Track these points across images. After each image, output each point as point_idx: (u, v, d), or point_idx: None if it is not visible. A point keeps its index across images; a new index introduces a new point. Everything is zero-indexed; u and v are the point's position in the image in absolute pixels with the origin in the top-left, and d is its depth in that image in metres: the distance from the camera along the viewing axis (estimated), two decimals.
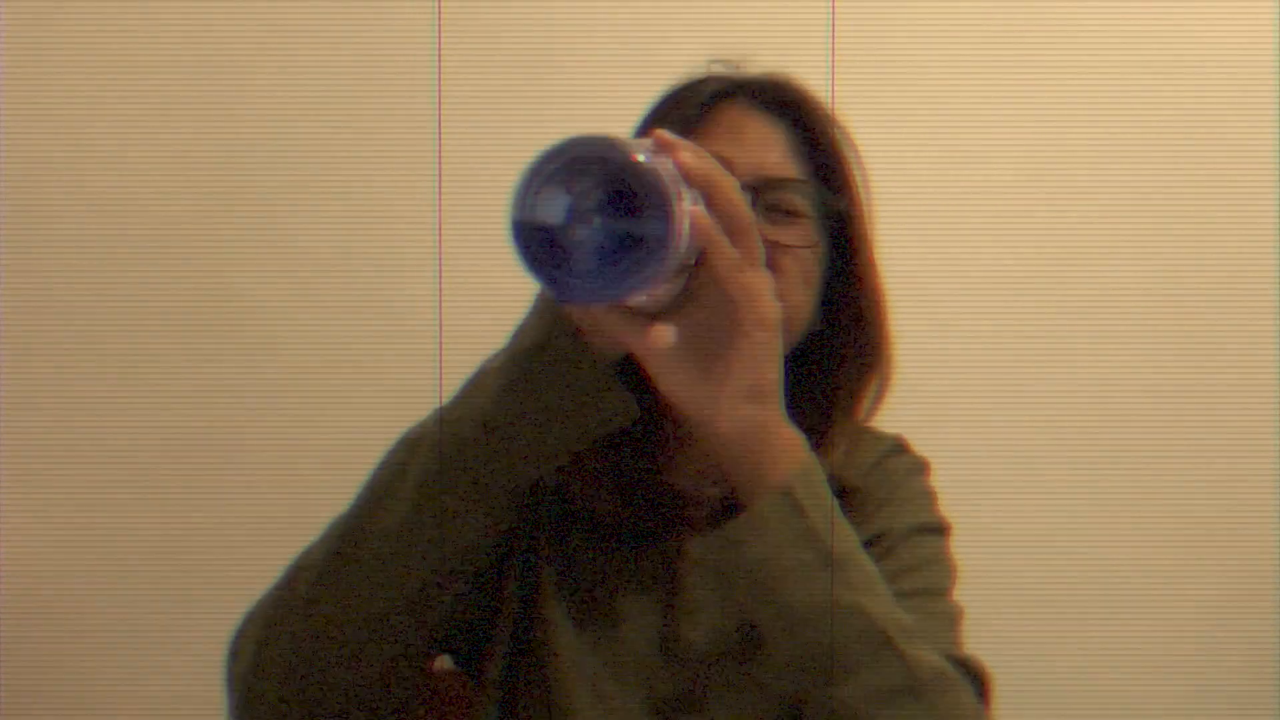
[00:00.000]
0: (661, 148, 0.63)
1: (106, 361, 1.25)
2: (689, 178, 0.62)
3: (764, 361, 0.67)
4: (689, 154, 0.63)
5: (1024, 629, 1.23)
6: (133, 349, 1.25)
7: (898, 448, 0.90)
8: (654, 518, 0.84)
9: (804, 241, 0.81)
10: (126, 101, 1.25)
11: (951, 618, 0.82)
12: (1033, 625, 1.27)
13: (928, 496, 0.89)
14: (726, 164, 0.75)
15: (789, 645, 0.68)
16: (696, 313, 0.66)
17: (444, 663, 0.87)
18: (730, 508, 0.70)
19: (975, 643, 0.80)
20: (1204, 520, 1.32)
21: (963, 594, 0.84)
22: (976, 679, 0.73)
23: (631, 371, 0.69)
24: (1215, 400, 1.33)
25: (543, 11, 1.28)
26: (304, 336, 1.26)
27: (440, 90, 1.22)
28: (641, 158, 0.59)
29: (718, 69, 0.88)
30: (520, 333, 0.72)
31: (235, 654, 0.75)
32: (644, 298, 0.62)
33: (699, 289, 0.66)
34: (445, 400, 0.74)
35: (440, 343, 1.17)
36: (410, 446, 0.73)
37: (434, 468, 0.71)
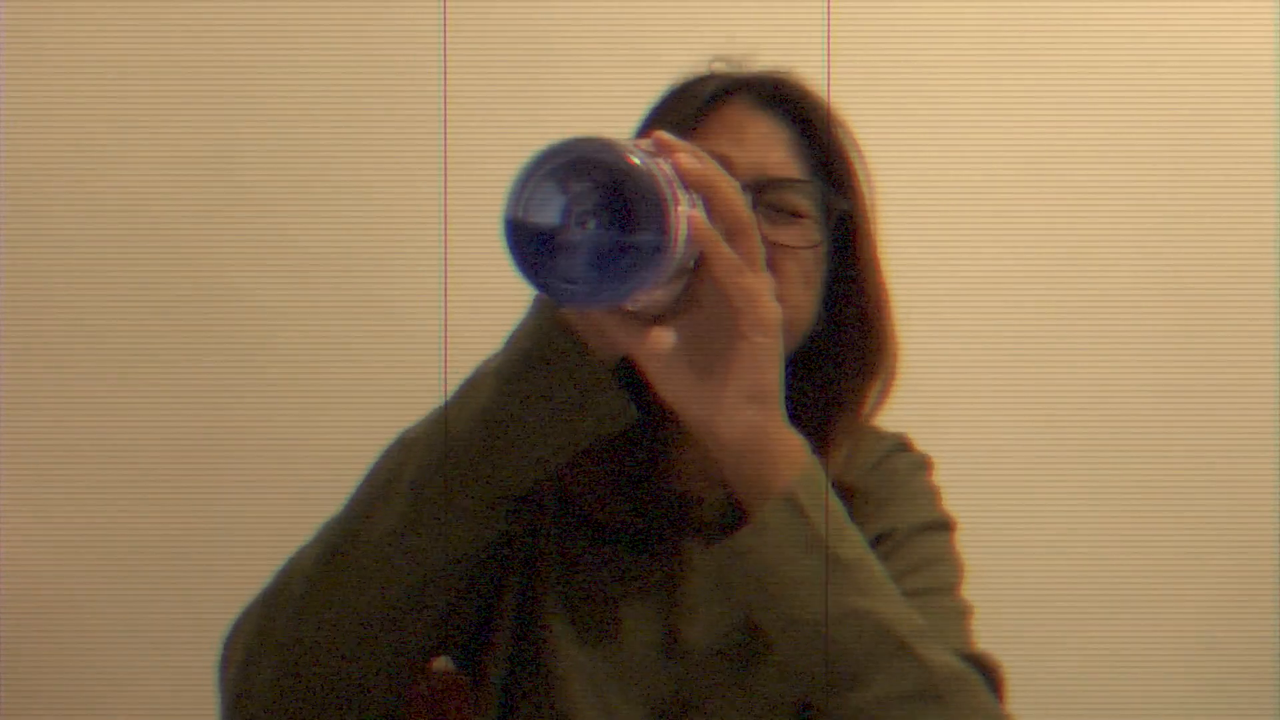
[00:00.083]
0: (660, 149, 0.62)
1: (106, 361, 1.25)
2: (688, 180, 0.61)
3: (764, 365, 0.66)
4: (688, 156, 0.62)
5: (1024, 629, 1.23)
6: (133, 349, 1.25)
7: (900, 446, 0.90)
8: (655, 520, 0.83)
9: (805, 242, 0.80)
10: (126, 101, 1.25)
11: (961, 615, 0.81)
12: (1032, 625, 1.27)
13: (932, 494, 0.88)
14: (727, 163, 0.74)
15: (802, 655, 0.67)
16: (696, 316, 0.65)
17: (444, 663, 0.87)
18: (732, 510, 0.69)
19: (976, 643, 0.80)
20: (1204, 520, 1.32)
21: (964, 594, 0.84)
22: (990, 676, 0.72)
23: (631, 374, 0.68)
24: (1215, 400, 1.33)
25: (546, 11, 1.28)
26: (306, 336, 1.26)
27: (445, 90, 1.22)
28: (638, 160, 0.58)
29: (719, 67, 0.87)
30: (517, 335, 0.71)
31: (227, 656, 0.75)
32: (642, 301, 0.62)
33: (698, 292, 0.65)
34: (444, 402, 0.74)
35: (444, 343, 1.17)
36: (405, 448, 0.73)
37: (429, 470, 0.70)
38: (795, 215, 0.80)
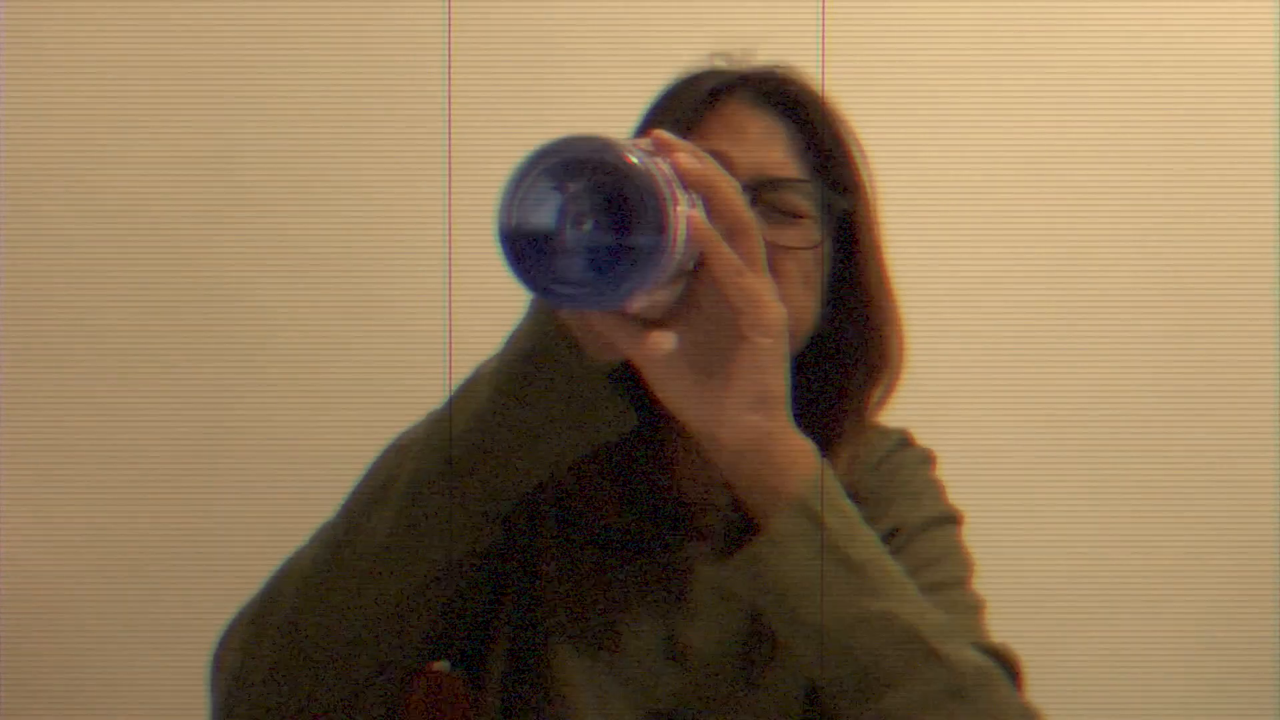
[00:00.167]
0: (659, 148, 0.61)
1: (106, 361, 1.25)
2: (687, 179, 0.60)
3: (769, 368, 0.64)
4: (687, 155, 0.61)
5: (1023, 629, 1.23)
6: (133, 349, 1.25)
7: (903, 442, 0.89)
8: (656, 525, 0.82)
9: (805, 243, 0.79)
10: (126, 101, 1.25)
11: (975, 608, 0.81)
12: (1032, 625, 1.27)
13: (937, 488, 0.88)
14: (726, 162, 0.73)
15: (825, 662, 0.65)
16: (697, 319, 0.64)
17: (443, 665, 0.87)
18: (736, 514, 0.68)
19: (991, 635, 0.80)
20: (1204, 520, 1.32)
21: None
22: (1010, 668, 0.72)
23: (631, 378, 0.67)
24: (1215, 400, 1.33)
25: (549, 10, 1.28)
26: (306, 336, 1.26)
27: (449, 89, 1.22)
28: (636, 159, 0.57)
29: (719, 63, 0.85)
30: (515, 337, 0.69)
31: (219, 659, 0.74)
32: (641, 304, 0.60)
33: (699, 294, 0.63)
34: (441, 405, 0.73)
35: (449, 343, 1.17)
36: (400, 453, 0.72)
37: (425, 475, 0.69)
38: (795, 216, 0.79)
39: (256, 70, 1.26)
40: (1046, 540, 1.30)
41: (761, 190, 0.78)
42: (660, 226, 0.56)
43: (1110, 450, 1.32)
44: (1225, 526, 1.33)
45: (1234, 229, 1.33)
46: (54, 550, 1.25)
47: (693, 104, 0.81)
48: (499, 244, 0.57)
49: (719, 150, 0.75)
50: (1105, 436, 1.32)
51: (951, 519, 0.86)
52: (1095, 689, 1.29)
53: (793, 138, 0.81)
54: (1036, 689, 0.71)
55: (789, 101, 0.82)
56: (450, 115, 1.22)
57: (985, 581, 0.85)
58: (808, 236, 0.79)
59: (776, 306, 0.64)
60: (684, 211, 0.58)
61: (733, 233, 0.62)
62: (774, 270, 0.65)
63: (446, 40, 1.23)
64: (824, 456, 0.68)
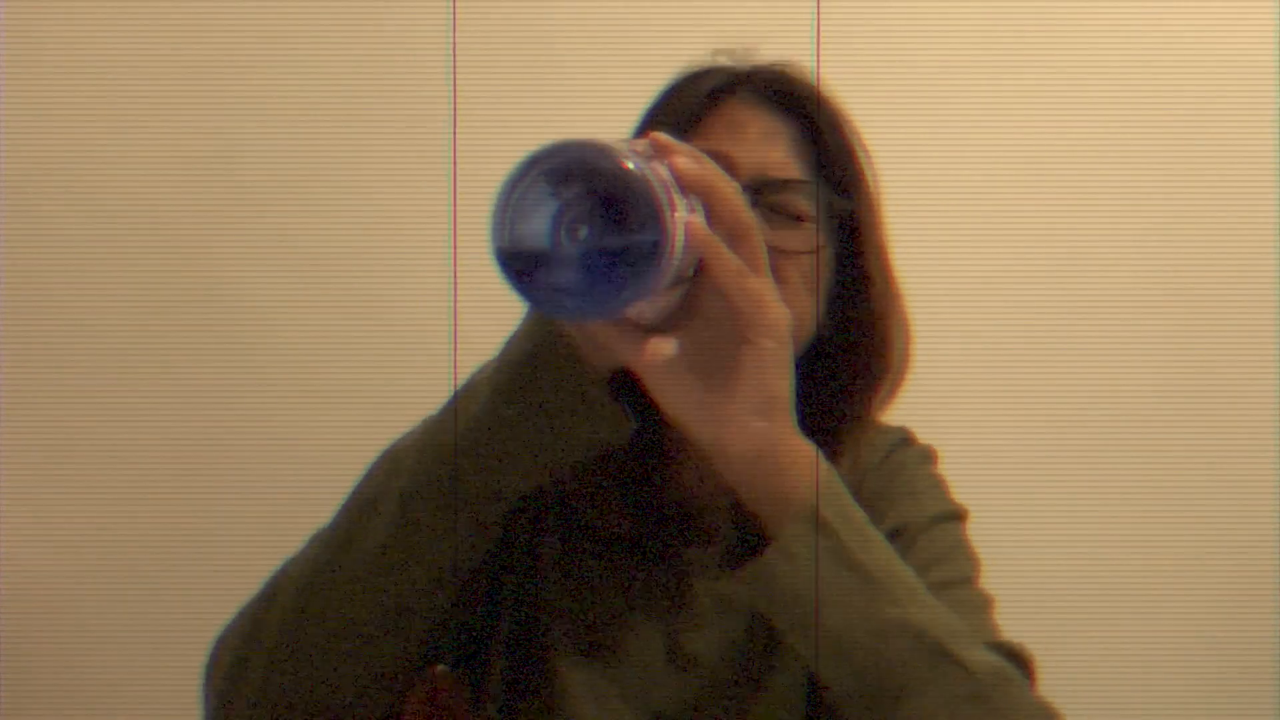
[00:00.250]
0: (657, 151, 0.59)
1: (106, 361, 1.25)
2: (685, 183, 0.58)
3: (774, 373, 0.62)
4: (686, 158, 0.59)
5: (1023, 629, 1.23)
6: (133, 349, 1.25)
7: (904, 439, 0.88)
8: (659, 529, 0.82)
9: (806, 245, 0.77)
10: (128, 101, 1.25)
11: (984, 605, 0.80)
12: (1032, 625, 1.27)
13: (940, 485, 0.87)
14: (727, 162, 0.73)
15: (843, 673, 0.64)
16: (698, 324, 0.62)
17: (443, 669, 0.87)
18: (738, 519, 0.67)
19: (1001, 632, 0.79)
20: (1204, 520, 1.32)
21: None
22: (1023, 665, 0.71)
23: (631, 384, 0.65)
24: (1215, 400, 1.33)
25: (554, 9, 1.27)
26: (307, 336, 1.26)
27: (454, 89, 1.22)
28: (632, 164, 0.55)
29: (722, 60, 0.83)
30: (512, 343, 0.68)
31: (212, 666, 0.74)
32: (639, 310, 0.59)
33: (700, 298, 0.62)
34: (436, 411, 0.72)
35: (454, 344, 1.17)
36: (395, 459, 0.71)
37: (419, 483, 0.68)
38: (797, 218, 0.77)
39: (257, 70, 1.26)
40: (1046, 540, 1.30)
41: (763, 192, 0.76)
42: (658, 234, 0.55)
43: (1110, 450, 1.32)
44: (1225, 526, 1.33)
45: (1234, 229, 1.33)
46: (54, 550, 1.25)
47: (693, 103, 0.79)
48: (492, 253, 0.56)
49: (720, 151, 0.74)
50: (1105, 436, 1.32)
51: (956, 516, 0.85)
52: (1095, 689, 1.29)
53: (795, 137, 0.80)
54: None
55: (792, 100, 0.80)
56: (455, 114, 1.22)
57: (985, 581, 0.85)
58: (810, 239, 0.78)
59: (780, 309, 0.62)
60: (682, 217, 0.57)
61: (734, 236, 0.61)
62: (775, 274, 0.64)
63: (451, 40, 1.23)
64: (827, 460, 0.67)
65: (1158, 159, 1.32)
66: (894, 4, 1.30)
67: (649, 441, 0.77)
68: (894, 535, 0.79)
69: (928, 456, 0.89)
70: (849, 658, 0.64)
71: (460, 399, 0.70)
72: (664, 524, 0.82)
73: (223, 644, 0.74)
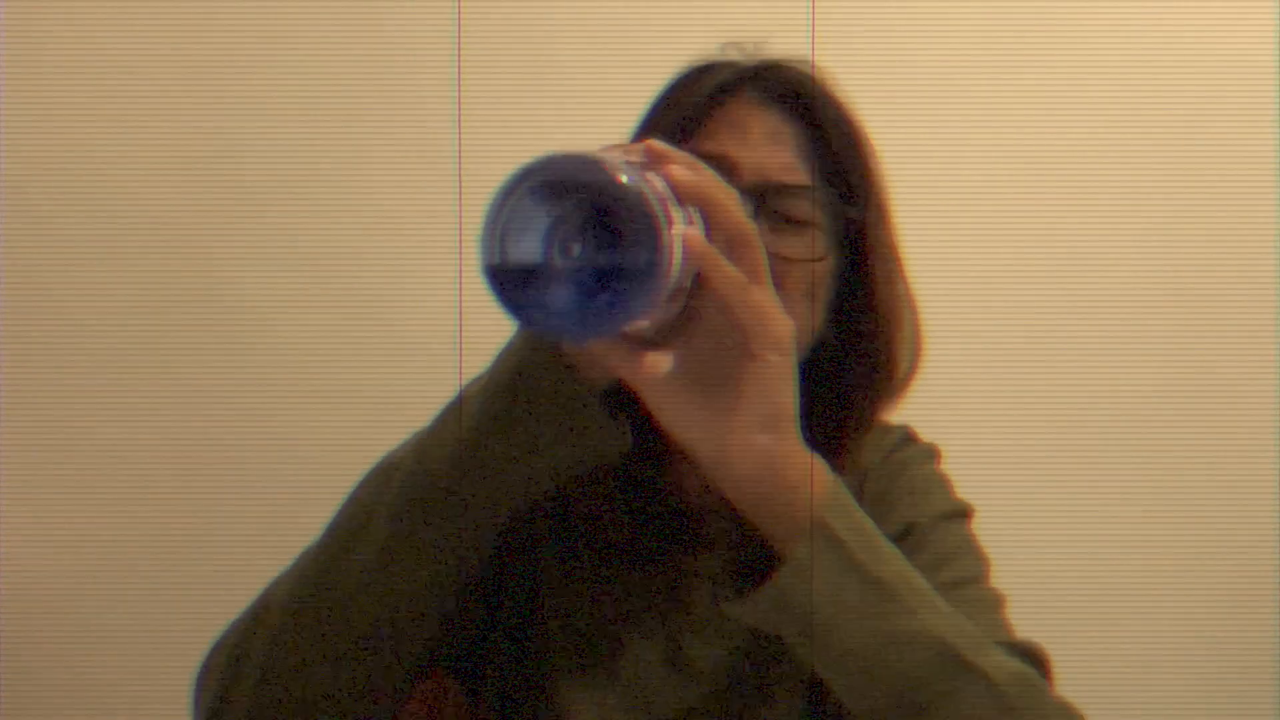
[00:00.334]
0: (652, 160, 0.57)
1: (106, 361, 1.25)
2: (682, 194, 0.56)
3: (778, 386, 0.60)
4: (681, 168, 0.57)
5: (1023, 629, 1.23)
6: (133, 349, 1.25)
7: (906, 438, 0.87)
8: (659, 535, 0.80)
9: (811, 253, 0.74)
10: (129, 101, 1.25)
11: (996, 603, 0.79)
12: (1031, 625, 1.27)
13: (945, 483, 0.86)
14: (729, 165, 0.73)
15: (861, 688, 0.63)
16: (698, 337, 0.60)
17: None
18: (739, 524, 0.65)
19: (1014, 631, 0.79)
20: (1204, 520, 1.32)
21: None
22: (1040, 665, 0.70)
23: (628, 396, 0.63)
24: (1215, 400, 1.33)
25: (559, 9, 1.27)
26: (310, 337, 1.26)
27: (460, 88, 1.21)
28: (626, 178, 0.52)
29: (731, 54, 0.81)
30: (503, 356, 0.66)
31: (202, 683, 0.73)
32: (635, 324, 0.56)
33: (699, 310, 0.60)
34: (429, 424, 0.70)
35: (459, 345, 1.17)
36: (385, 476, 0.69)
37: (409, 501, 0.66)
38: (800, 223, 0.75)
39: (258, 70, 1.26)
40: (1045, 540, 1.29)
41: (765, 196, 0.74)
42: (654, 250, 0.52)
43: (1109, 450, 1.32)
44: (1225, 526, 1.33)
45: (1234, 229, 1.33)
46: (54, 550, 1.25)
47: (697, 102, 0.77)
48: (481, 270, 0.54)
49: (722, 153, 0.73)
50: (1104, 436, 1.32)
51: (962, 513, 0.84)
52: (1095, 689, 1.29)
53: (800, 139, 0.77)
54: None
55: (798, 100, 0.77)
56: (460, 114, 1.22)
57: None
58: (814, 246, 0.75)
59: (784, 321, 0.60)
60: (680, 231, 0.54)
61: (733, 246, 0.58)
62: (777, 281, 0.62)
63: (456, 39, 1.22)
64: (831, 468, 0.65)
65: (1158, 159, 1.32)
66: (893, 4, 1.30)
67: (648, 451, 0.74)
68: (902, 535, 0.78)
69: (931, 454, 0.88)
70: (868, 674, 0.62)
71: (451, 414, 0.68)
72: (664, 531, 0.80)
73: (209, 666, 0.72)
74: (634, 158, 0.58)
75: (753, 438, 0.60)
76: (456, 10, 1.23)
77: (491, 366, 0.67)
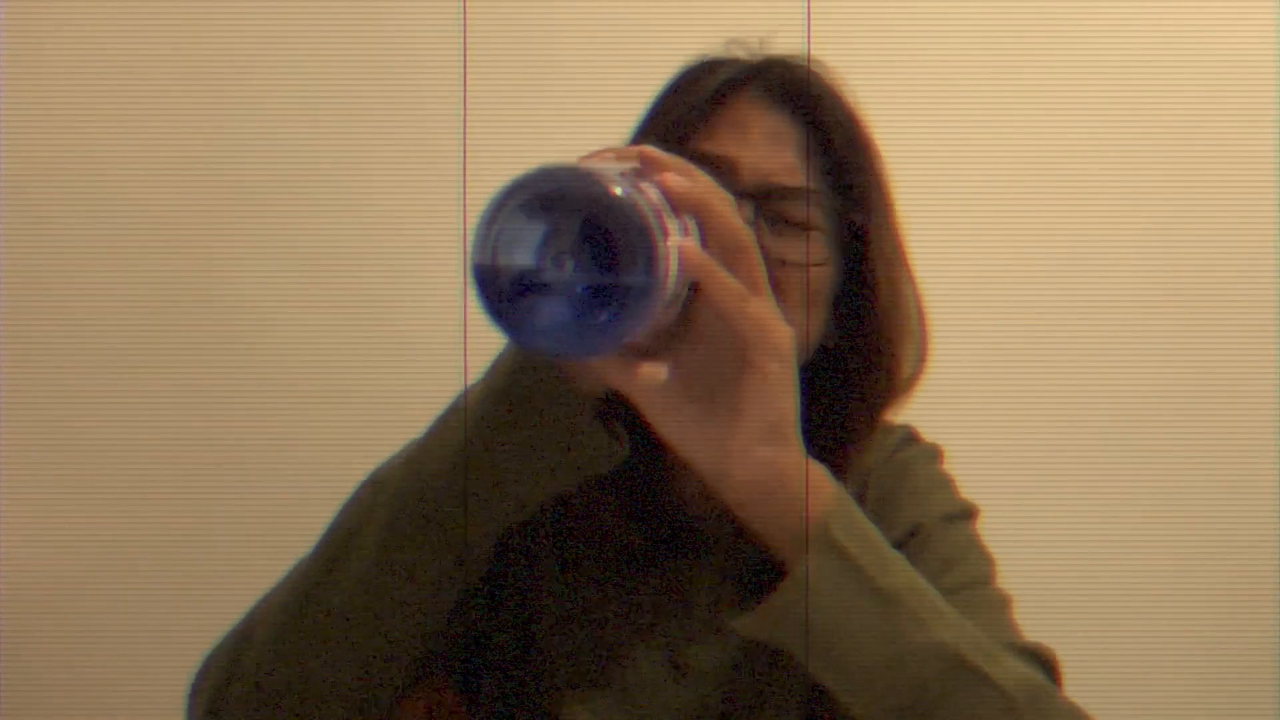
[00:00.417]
0: (646, 167, 0.56)
1: (106, 361, 1.25)
2: (678, 203, 0.55)
3: (779, 397, 0.59)
4: (676, 176, 0.56)
5: (1023, 629, 1.23)
6: (133, 349, 1.25)
7: (908, 438, 0.86)
8: (661, 540, 0.79)
9: (812, 257, 0.73)
10: (130, 101, 1.25)
11: (1003, 605, 0.78)
12: (1031, 626, 1.27)
13: (949, 483, 0.85)
14: (730, 166, 0.72)
15: (871, 704, 0.62)
16: (696, 346, 0.59)
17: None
18: (743, 530, 0.64)
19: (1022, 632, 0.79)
20: (1204, 520, 1.32)
21: None
22: (1049, 669, 0.70)
23: (624, 405, 0.61)
24: (1216, 400, 1.33)
25: (560, 8, 1.27)
26: (312, 337, 1.26)
27: (465, 88, 1.21)
28: (620, 190, 0.51)
29: (735, 50, 0.79)
30: (495, 367, 0.65)
31: (195, 695, 0.72)
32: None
33: (696, 320, 0.58)
34: (420, 436, 0.69)
35: (465, 346, 1.16)
36: (376, 489, 0.68)
37: (400, 515, 0.65)
38: (802, 226, 0.73)
39: (259, 70, 1.26)
40: (1045, 540, 1.29)
41: (766, 199, 0.73)
42: (650, 263, 0.51)
43: (1109, 450, 1.32)
44: (1225, 526, 1.33)
45: (1234, 229, 1.33)
46: (54, 550, 1.25)
47: (698, 101, 0.75)
48: (473, 285, 0.53)
49: (723, 153, 0.73)
50: (1104, 436, 1.32)
51: (967, 514, 0.83)
52: (1095, 689, 1.29)
53: (803, 140, 0.75)
54: None
55: (802, 99, 0.76)
56: (465, 114, 1.21)
57: None
58: (815, 250, 0.74)
59: (784, 330, 0.59)
60: (675, 243, 0.53)
61: (730, 255, 0.57)
62: (777, 286, 0.61)
63: (462, 38, 1.22)
64: (835, 476, 0.64)
65: (1158, 159, 1.32)
66: (893, 3, 1.30)
67: (646, 459, 0.73)
68: (908, 537, 0.77)
69: (934, 454, 0.87)
70: (876, 686, 0.61)
71: (443, 426, 0.67)
72: (663, 536, 0.79)
73: (200, 683, 0.72)
74: (627, 165, 0.56)
75: (754, 449, 0.59)
76: (462, 9, 1.23)
77: (484, 377, 0.66)
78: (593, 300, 0.52)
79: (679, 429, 0.60)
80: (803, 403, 0.61)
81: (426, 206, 1.23)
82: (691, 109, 0.75)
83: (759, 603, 0.62)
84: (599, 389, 0.62)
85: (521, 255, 0.52)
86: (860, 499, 0.68)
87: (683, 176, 0.56)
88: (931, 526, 0.79)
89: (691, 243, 0.55)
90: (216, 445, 1.26)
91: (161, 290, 1.25)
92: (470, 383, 0.68)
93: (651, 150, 0.57)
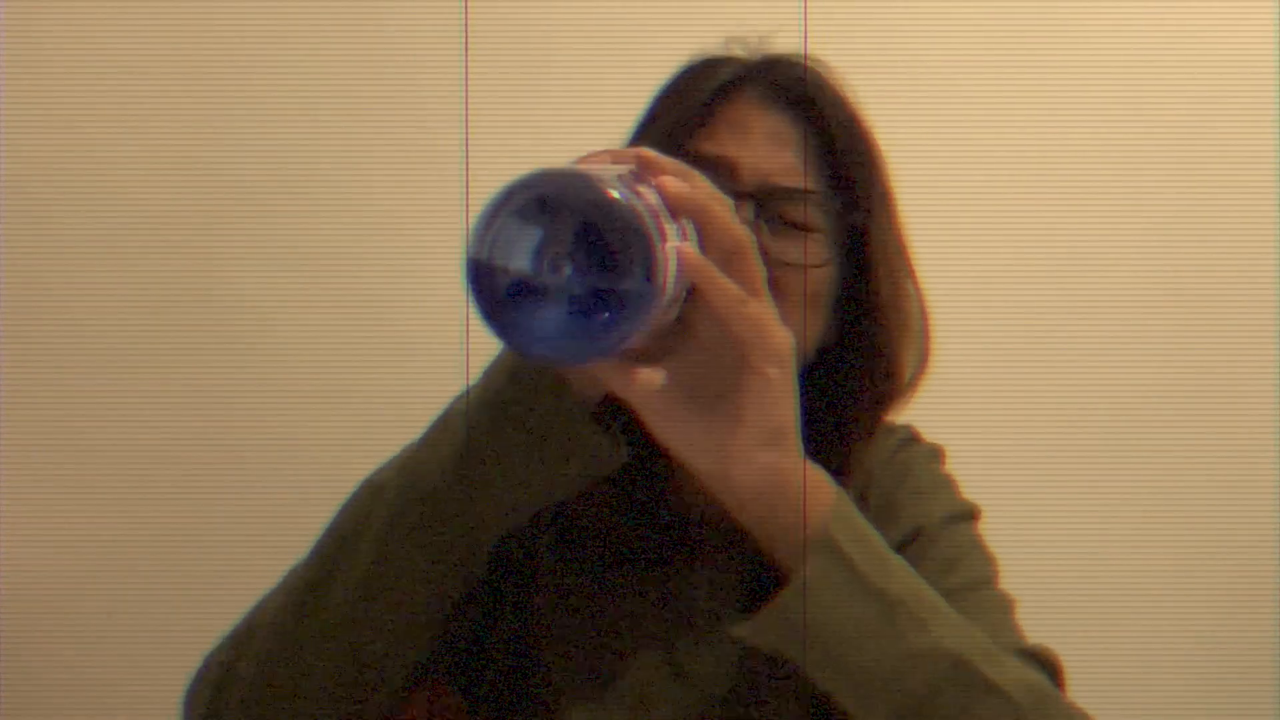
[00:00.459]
0: (643, 170, 0.56)
1: (106, 361, 1.25)
2: (676, 207, 0.55)
3: (779, 400, 0.58)
4: (673, 179, 0.55)
5: (1023, 629, 1.23)
6: (134, 349, 1.25)
7: (909, 438, 0.86)
8: (660, 543, 0.78)
9: (813, 258, 0.72)
10: (130, 101, 1.25)
11: (1006, 607, 0.77)
12: (1031, 626, 1.27)
13: (951, 484, 0.84)
14: (730, 167, 0.72)
15: (872, 706, 0.61)
16: (694, 350, 0.58)
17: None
18: (738, 529, 0.64)
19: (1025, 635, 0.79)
20: (1204, 520, 1.32)
21: None
22: (1053, 672, 0.70)
23: (622, 409, 0.60)
24: (1216, 400, 1.33)
25: (563, 9, 1.27)
26: (312, 337, 1.26)
27: (467, 87, 1.21)
28: (617, 195, 0.51)
29: (737, 50, 0.79)
30: (492, 371, 0.65)
31: (192, 699, 0.72)
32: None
33: (694, 323, 0.58)
34: (417, 440, 0.69)
35: (466, 346, 1.16)
36: (373, 494, 0.68)
37: (397, 520, 0.65)
38: (802, 227, 0.73)
39: (259, 70, 1.26)
40: (1045, 540, 1.29)
41: (766, 200, 0.72)
42: (648, 268, 0.51)
43: (1109, 450, 1.32)
44: (1225, 526, 1.33)
45: (1234, 229, 1.33)
46: (54, 550, 1.25)
47: (698, 101, 0.75)
48: (468, 290, 0.52)
49: (722, 154, 0.72)
50: (1104, 436, 1.32)
51: (969, 514, 0.83)
52: (1095, 689, 1.29)
53: (803, 140, 0.75)
54: None
55: (802, 99, 0.75)
56: (466, 114, 1.21)
57: None
58: (815, 251, 0.73)
59: (783, 333, 0.58)
60: (673, 247, 0.53)
61: (729, 258, 0.57)
62: (776, 287, 0.60)
63: (463, 38, 1.22)
64: (834, 477, 0.63)
65: (1158, 159, 1.32)
66: (893, 2, 1.30)
67: (645, 462, 0.72)
68: (909, 539, 0.77)
69: (935, 454, 0.86)
70: (879, 691, 0.61)
71: (440, 430, 0.67)
72: (663, 539, 0.79)
73: (195, 689, 0.72)
74: (624, 167, 0.56)
75: (754, 454, 0.59)
76: (463, 10, 1.22)
77: (481, 380, 0.66)
78: (590, 305, 0.51)
79: (678, 433, 0.59)
80: (803, 404, 0.61)
81: (427, 207, 1.23)
82: (691, 109, 0.75)
83: (759, 608, 0.61)
84: (597, 393, 0.62)
85: (517, 260, 0.52)
86: (861, 500, 0.68)
87: (680, 179, 0.56)
88: (933, 528, 0.78)
89: (689, 246, 0.55)
90: (216, 445, 1.26)
91: (161, 290, 1.25)
92: (473, 380, 0.68)
93: (649, 152, 0.57)
